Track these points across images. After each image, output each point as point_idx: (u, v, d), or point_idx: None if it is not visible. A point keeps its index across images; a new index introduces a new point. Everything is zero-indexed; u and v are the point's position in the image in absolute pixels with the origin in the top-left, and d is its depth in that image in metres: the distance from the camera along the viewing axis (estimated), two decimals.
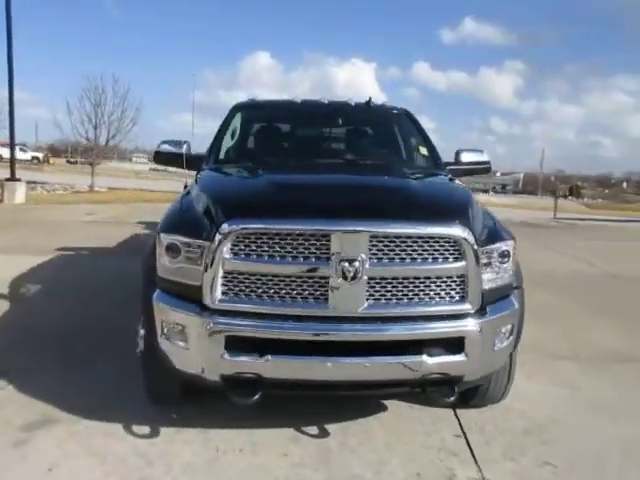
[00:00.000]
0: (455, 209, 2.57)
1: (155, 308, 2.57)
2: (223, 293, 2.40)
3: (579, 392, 3.48)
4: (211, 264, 2.36)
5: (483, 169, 3.87)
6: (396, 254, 2.36)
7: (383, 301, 2.40)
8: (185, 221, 2.60)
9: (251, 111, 4.15)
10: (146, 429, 2.82)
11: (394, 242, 2.35)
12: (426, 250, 2.38)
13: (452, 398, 2.48)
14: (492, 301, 2.54)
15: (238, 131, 3.93)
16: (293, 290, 2.37)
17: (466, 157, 3.83)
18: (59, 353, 3.79)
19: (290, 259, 2.34)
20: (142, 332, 2.87)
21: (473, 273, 2.43)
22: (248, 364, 2.38)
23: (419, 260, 2.38)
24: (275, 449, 2.67)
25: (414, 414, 3.07)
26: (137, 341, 3.01)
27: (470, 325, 2.44)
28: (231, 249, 2.34)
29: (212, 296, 2.39)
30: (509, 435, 2.89)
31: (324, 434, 2.84)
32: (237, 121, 3.88)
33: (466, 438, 2.85)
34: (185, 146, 3.79)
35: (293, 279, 2.36)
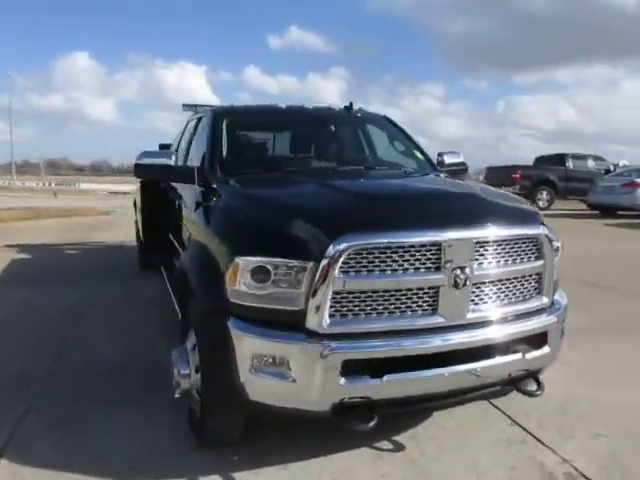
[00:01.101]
0: (530, 209, 2.69)
1: (236, 340, 2.28)
2: (331, 315, 2.22)
3: (571, 366, 3.86)
4: (318, 285, 2.17)
5: (462, 170, 4.08)
6: (494, 257, 2.41)
7: (485, 305, 2.44)
8: (274, 241, 2.33)
9: (240, 118, 3.85)
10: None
11: (493, 246, 2.40)
12: (516, 251, 2.48)
13: (540, 391, 2.60)
14: (554, 293, 2.72)
15: (232, 139, 3.62)
16: (403, 304, 2.29)
17: (447, 159, 4.00)
18: None
19: (401, 272, 2.25)
20: (187, 371, 2.59)
21: (549, 269, 2.58)
22: (365, 388, 2.23)
23: (512, 261, 2.47)
24: (368, 471, 2.56)
25: (456, 412, 3.14)
26: (176, 382, 2.67)
27: (551, 318, 2.59)
28: (340, 267, 2.17)
29: (320, 320, 2.20)
30: (550, 416, 3.10)
31: (399, 447, 2.78)
32: (226, 128, 3.57)
33: (520, 425, 3.00)
34: (174, 157, 3.41)
35: (403, 292, 2.28)
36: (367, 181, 3.21)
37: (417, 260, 2.27)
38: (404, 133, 4.11)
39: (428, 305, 2.32)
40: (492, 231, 2.40)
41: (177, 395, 2.79)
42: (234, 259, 2.31)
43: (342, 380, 2.20)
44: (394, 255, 2.24)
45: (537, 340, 2.55)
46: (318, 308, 2.19)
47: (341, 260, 2.16)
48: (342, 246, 2.16)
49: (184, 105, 5.34)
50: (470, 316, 2.39)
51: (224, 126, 3.47)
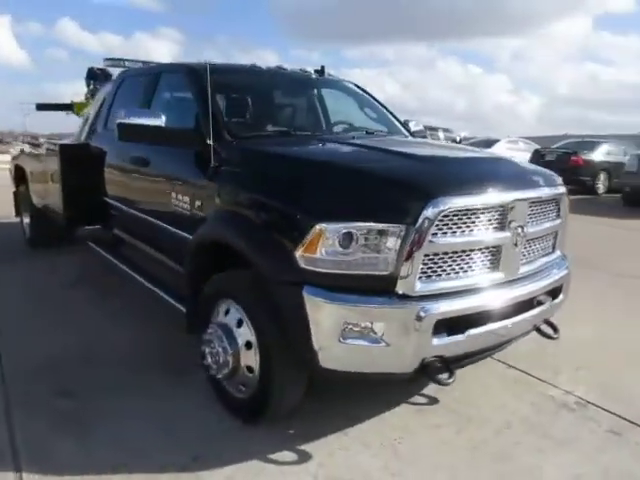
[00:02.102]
0: (551, 172, 2.95)
1: (316, 308, 2.20)
2: (419, 278, 2.26)
3: None
4: (412, 249, 2.18)
5: (423, 137, 4.28)
6: (538, 216, 2.64)
7: (529, 260, 2.67)
8: (362, 205, 2.24)
9: (228, 76, 3.49)
10: (291, 455, 2.43)
11: (539, 206, 2.63)
12: (550, 209, 2.74)
13: (557, 334, 2.93)
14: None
15: (229, 99, 3.30)
16: (475, 262, 2.41)
17: (412, 126, 4.17)
18: None
19: (478, 232, 2.37)
20: (234, 349, 2.53)
21: (564, 225, 2.91)
22: (451, 344, 2.32)
23: (547, 218, 2.73)
24: (421, 423, 2.69)
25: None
26: (223, 361, 2.52)
27: (566, 270, 2.92)
28: (433, 230, 2.21)
29: (412, 283, 2.22)
30: (530, 357, 3.50)
31: (434, 401, 2.95)
32: (218, 87, 3.24)
33: (516, 368, 3.36)
34: (164, 117, 3.04)
35: (477, 252, 2.40)
36: (413, 147, 3.25)
37: (489, 221, 2.40)
38: (375, 99, 4.16)
39: (493, 263, 2.47)
40: (540, 191, 2.63)
41: (219, 376, 2.62)
42: (315, 226, 2.20)
43: (434, 340, 2.26)
44: (473, 217, 2.34)
45: (557, 290, 2.87)
46: (410, 271, 2.21)
47: (434, 223, 2.20)
48: (436, 209, 2.20)
49: (106, 59, 4.73)
50: (521, 271, 2.60)
51: (215, 85, 3.18)
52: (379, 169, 2.47)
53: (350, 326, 2.22)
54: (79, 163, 4.42)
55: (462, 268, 2.38)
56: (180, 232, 3.12)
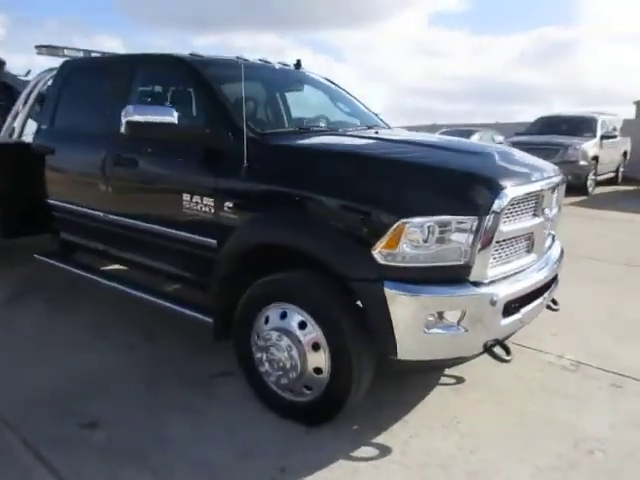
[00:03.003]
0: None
1: (399, 302, 2.26)
2: (489, 265, 2.41)
3: None
4: (486, 238, 2.33)
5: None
6: (554, 201, 2.93)
7: (549, 243, 2.97)
8: (440, 200, 2.31)
9: (229, 70, 3.26)
10: (371, 449, 2.45)
11: (554, 192, 2.91)
12: (558, 195, 3.04)
13: (557, 306, 3.27)
14: None
15: (234, 94, 3.11)
16: (520, 246, 2.65)
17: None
18: None
19: (525, 218, 2.60)
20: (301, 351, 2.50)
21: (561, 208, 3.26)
22: (512, 324, 2.52)
23: (557, 203, 3.04)
24: (460, 403, 2.87)
25: None
26: (288, 364, 2.48)
27: (560, 247, 3.28)
28: (501, 219, 2.38)
29: (484, 270, 2.37)
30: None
31: (460, 380, 3.15)
32: (222, 81, 3.06)
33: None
34: (175, 114, 2.82)
35: (522, 236, 2.63)
36: (445, 141, 3.39)
37: (531, 207, 2.65)
38: (347, 92, 4.21)
39: (529, 246, 2.72)
40: (556, 178, 2.92)
41: (283, 382, 2.56)
42: (396, 222, 2.25)
43: (502, 321, 2.44)
44: (522, 205, 2.56)
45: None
46: (482, 259, 2.36)
47: (504, 212, 2.37)
48: (506, 199, 2.36)
49: (40, 46, 4.20)
50: (546, 254, 2.89)
51: (224, 78, 3.02)
52: (446, 164, 2.57)
53: (433, 316, 2.31)
54: (18, 165, 3.91)
55: (513, 253, 2.60)
56: (197, 237, 2.95)
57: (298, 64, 3.93)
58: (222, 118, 2.91)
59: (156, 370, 3.17)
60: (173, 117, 2.82)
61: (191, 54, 3.33)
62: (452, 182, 2.40)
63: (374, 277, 2.30)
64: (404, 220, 2.25)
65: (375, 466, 2.35)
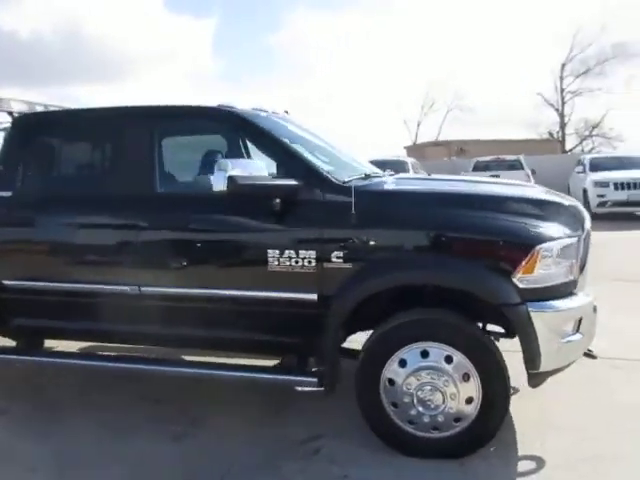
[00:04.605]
0: None
1: (549, 319, 2.56)
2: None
3: None
4: (583, 253, 2.75)
5: None
6: None
7: None
8: (561, 225, 2.67)
9: (263, 121, 3.15)
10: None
11: None
12: None
13: None
14: None
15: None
16: None
17: None
18: None
19: None
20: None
21: None
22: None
23: None
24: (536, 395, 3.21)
25: None
26: (447, 399, 2.59)
27: None
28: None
29: (580, 282, 2.75)
30: None
31: None
32: (274, 131, 3.01)
33: None
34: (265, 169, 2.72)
35: None
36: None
37: None
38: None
39: None
40: None
41: (440, 419, 2.59)
42: (533, 249, 2.54)
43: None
44: None
45: None
46: (580, 272, 2.77)
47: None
48: (589, 220, 2.86)
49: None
50: None
51: (274, 130, 2.98)
52: (548, 198, 2.97)
53: (567, 327, 2.64)
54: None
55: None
56: (290, 295, 2.82)
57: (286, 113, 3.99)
58: (306, 169, 2.88)
59: (230, 458, 2.81)
60: (264, 170, 2.70)
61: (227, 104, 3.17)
62: (562, 210, 2.80)
63: (518, 301, 2.54)
64: (539, 247, 2.56)
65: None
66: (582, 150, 32.80)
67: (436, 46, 60.68)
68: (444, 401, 2.58)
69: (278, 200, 2.75)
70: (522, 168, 15.90)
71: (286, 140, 3.01)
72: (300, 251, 2.76)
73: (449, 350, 2.59)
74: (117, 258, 3.12)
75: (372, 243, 2.71)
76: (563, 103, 36.16)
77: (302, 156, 2.96)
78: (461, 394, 2.58)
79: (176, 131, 3.35)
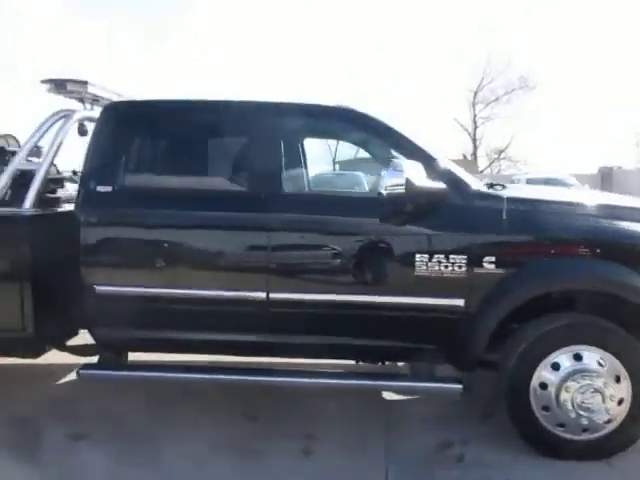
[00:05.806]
0: None
1: None
2: None
3: None
4: None
5: None
6: None
7: None
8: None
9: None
10: None
11: None
12: None
13: None
14: None
15: None
16: None
17: None
18: None
19: None
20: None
21: None
22: None
23: None
24: None
25: None
26: (605, 401, 2.67)
27: None
28: None
29: None
30: None
31: None
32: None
33: None
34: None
35: None
36: None
37: None
38: None
39: None
40: None
41: (590, 422, 2.66)
42: None
43: None
44: None
45: None
46: None
47: None
48: None
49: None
50: None
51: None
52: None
53: None
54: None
55: None
56: (436, 300, 2.81)
57: None
58: (448, 173, 2.89)
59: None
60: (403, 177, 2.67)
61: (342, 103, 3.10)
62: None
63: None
64: None
65: None
66: (491, 172, 35.47)
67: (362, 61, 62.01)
68: (603, 403, 2.64)
69: (428, 203, 2.76)
70: None
71: (424, 143, 3.00)
72: (450, 255, 2.76)
73: (600, 352, 2.67)
74: (243, 262, 2.95)
75: (525, 249, 2.77)
76: (475, 127, 38.70)
77: (445, 161, 2.97)
78: (616, 396, 2.66)
79: (309, 130, 3.25)
